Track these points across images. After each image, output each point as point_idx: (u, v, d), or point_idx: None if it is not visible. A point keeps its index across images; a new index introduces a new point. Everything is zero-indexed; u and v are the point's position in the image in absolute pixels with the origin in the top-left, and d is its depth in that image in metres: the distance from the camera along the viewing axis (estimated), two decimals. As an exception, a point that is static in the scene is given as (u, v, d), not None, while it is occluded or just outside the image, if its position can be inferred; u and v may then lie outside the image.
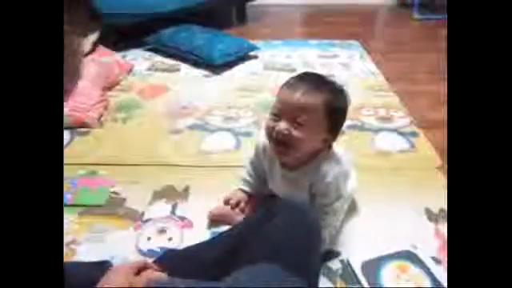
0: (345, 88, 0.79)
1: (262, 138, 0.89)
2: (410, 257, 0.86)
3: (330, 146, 0.80)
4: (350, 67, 1.93)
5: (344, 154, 0.86)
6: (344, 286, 0.79)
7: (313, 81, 0.75)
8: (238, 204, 0.94)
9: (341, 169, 0.79)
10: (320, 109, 0.72)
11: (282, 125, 0.72)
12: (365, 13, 3.16)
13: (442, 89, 1.70)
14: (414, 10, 2.90)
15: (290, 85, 0.75)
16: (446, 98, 1.57)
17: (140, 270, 0.58)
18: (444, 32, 2.53)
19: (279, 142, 0.74)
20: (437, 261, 0.85)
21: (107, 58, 1.67)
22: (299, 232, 0.59)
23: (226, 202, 0.94)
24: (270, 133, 0.75)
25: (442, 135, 1.32)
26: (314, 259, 0.61)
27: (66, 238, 0.89)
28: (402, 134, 1.35)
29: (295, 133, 0.72)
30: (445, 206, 0.99)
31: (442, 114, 1.49)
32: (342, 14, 3.06)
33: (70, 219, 0.95)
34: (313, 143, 0.75)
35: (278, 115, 0.74)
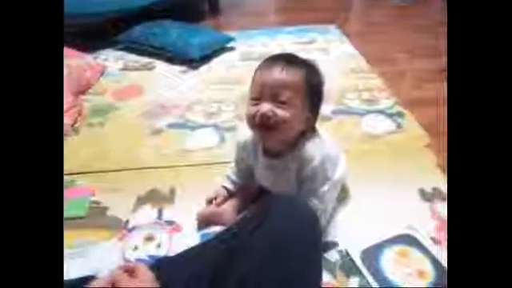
0: (317, 64, 0.77)
1: (241, 133, 0.86)
2: (408, 241, 0.83)
3: (313, 128, 0.78)
4: (330, 52, 1.90)
5: (329, 138, 0.83)
6: (344, 277, 0.76)
7: (287, 59, 0.72)
8: (215, 199, 0.91)
9: (326, 151, 0.76)
10: (301, 84, 0.70)
11: (265, 106, 0.69)
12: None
13: (424, 67, 1.68)
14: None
15: (265, 65, 0.72)
16: (430, 77, 1.56)
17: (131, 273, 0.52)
18: (419, 11, 2.53)
19: (263, 127, 0.70)
20: (435, 241, 0.83)
21: (76, 60, 1.59)
22: (296, 230, 0.55)
23: (209, 202, 0.90)
24: (253, 119, 0.71)
25: (428, 114, 1.30)
26: (316, 253, 0.57)
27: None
28: (388, 115, 1.32)
29: (280, 112, 0.69)
30: (438, 185, 0.98)
31: (425, 92, 1.48)
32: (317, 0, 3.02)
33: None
34: (297, 123, 0.72)
35: (258, 98, 0.71)
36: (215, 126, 1.29)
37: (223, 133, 1.25)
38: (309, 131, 0.76)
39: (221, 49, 1.90)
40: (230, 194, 0.92)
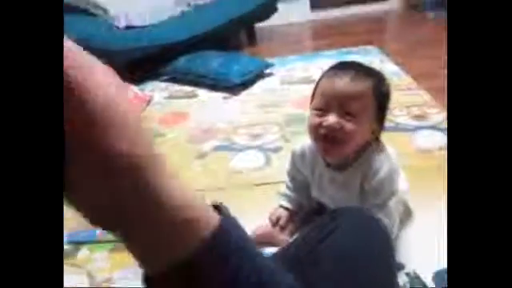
0: (384, 74, 0.74)
1: (298, 144, 0.83)
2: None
3: (377, 139, 0.73)
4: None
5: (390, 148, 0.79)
6: (415, 302, 0.69)
7: (355, 68, 0.69)
8: (278, 221, 0.86)
9: (392, 163, 0.72)
10: (370, 95, 0.66)
11: (332, 118, 0.65)
12: (374, 20, 3.12)
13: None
14: (427, 9, 2.85)
15: (332, 75, 0.69)
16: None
17: None
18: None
19: (328, 139, 0.67)
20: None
21: (125, 91, 1.66)
22: (369, 244, 0.50)
23: (273, 225, 0.86)
24: (316, 130, 0.68)
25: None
26: (390, 274, 0.52)
27: (99, 278, 0.83)
28: (440, 130, 1.25)
29: (346, 125, 0.65)
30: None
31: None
32: (352, 24, 3.03)
33: (101, 257, 0.88)
34: (364, 135, 0.68)
35: (323, 109, 0.67)
36: (260, 147, 1.28)
37: (269, 154, 1.24)
38: (374, 142, 0.72)
39: (261, 75, 1.93)
40: (291, 213, 0.87)
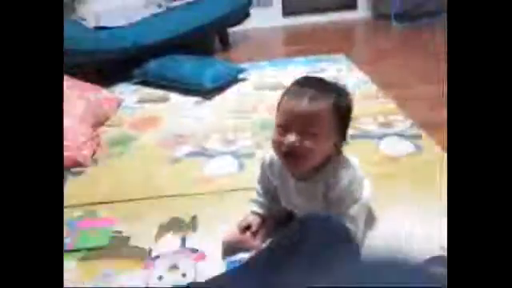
0: (346, 87, 0.77)
1: (267, 153, 0.85)
2: (443, 262, 0.80)
3: (339, 150, 0.77)
4: (340, 80, 1.91)
5: (352, 158, 0.82)
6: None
7: (316, 85, 0.71)
8: (248, 227, 0.88)
9: (354, 173, 0.76)
10: (329, 113, 0.69)
11: (292, 137, 0.68)
12: (344, 29, 3.23)
13: (436, 91, 1.69)
14: (392, 20, 2.98)
15: (293, 93, 0.71)
16: (445, 99, 1.56)
17: None
18: (424, 37, 2.59)
19: (289, 155, 0.70)
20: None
21: (94, 94, 1.63)
22: (337, 247, 0.53)
23: (243, 231, 0.87)
24: (279, 147, 0.70)
25: (445, 136, 1.29)
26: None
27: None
28: (406, 137, 1.32)
29: (307, 143, 0.68)
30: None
31: (441, 114, 1.47)
32: (322, 32, 3.11)
33: (70, 266, 0.86)
34: (325, 150, 0.72)
35: (284, 127, 0.70)
36: (233, 153, 1.29)
37: (242, 160, 1.25)
38: (335, 154, 0.76)
39: (233, 80, 1.94)
40: (263, 218, 0.89)
